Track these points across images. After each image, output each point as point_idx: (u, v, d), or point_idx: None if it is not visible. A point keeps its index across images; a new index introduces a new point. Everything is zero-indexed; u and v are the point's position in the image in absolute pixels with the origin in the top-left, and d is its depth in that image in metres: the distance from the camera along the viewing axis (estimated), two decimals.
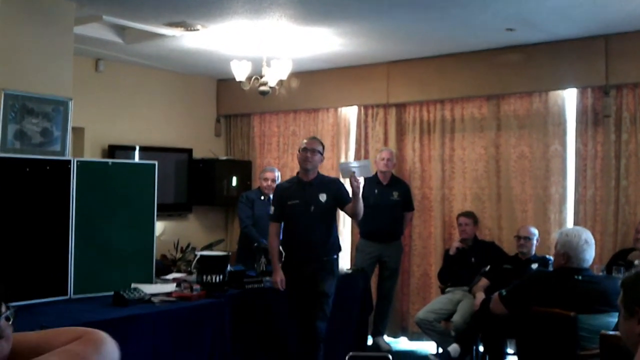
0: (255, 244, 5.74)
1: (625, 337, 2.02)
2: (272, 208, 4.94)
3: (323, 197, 4.82)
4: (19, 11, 4.64)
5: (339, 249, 5.03)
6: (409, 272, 6.90)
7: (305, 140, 4.97)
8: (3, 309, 1.48)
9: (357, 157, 7.26)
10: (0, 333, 1.47)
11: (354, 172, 4.65)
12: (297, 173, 5.00)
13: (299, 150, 4.92)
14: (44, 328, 1.91)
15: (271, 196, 6.26)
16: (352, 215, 4.92)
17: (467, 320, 5.47)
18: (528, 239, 5.55)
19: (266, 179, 6.36)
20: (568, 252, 3.80)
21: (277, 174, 6.50)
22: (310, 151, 4.79)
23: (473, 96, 6.54)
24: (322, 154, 4.92)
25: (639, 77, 5.61)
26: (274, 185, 6.02)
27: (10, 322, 1.50)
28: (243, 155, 8.26)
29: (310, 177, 4.87)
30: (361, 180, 4.86)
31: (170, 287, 4.53)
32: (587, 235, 3.85)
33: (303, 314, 4.74)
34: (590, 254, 3.83)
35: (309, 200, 4.80)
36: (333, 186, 4.93)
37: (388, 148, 6.75)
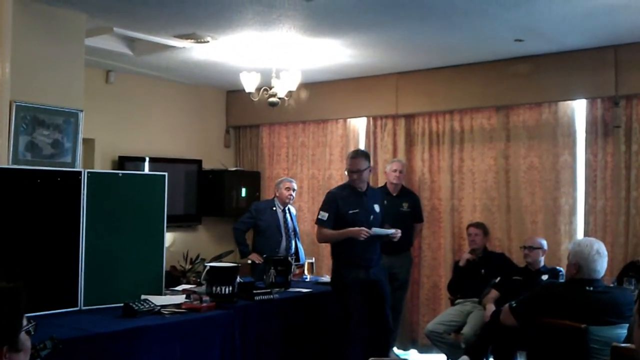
0: (265, 255, 5.74)
1: (639, 346, 1.99)
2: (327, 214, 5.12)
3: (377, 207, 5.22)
4: (30, 23, 4.68)
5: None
6: (419, 284, 6.88)
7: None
8: (25, 322, 1.48)
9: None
10: (20, 346, 1.46)
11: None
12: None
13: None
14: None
15: (288, 207, 6.44)
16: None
17: (477, 332, 5.43)
18: (532, 248, 5.49)
19: (288, 189, 6.51)
20: (579, 262, 3.78)
21: (294, 184, 6.69)
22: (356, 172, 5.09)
23: (482, 107, 6.54)
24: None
25: None
26: (294, 195, 6.57)
27: (31, 335, 1.50)
28: (252, 166, 8.28)
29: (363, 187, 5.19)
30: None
31: (180, 299, 4.53)
32: (599, 246, 3.82)
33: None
34: (602, 265, 3.80)
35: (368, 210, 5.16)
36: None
37: (399, 159, 6.74)
